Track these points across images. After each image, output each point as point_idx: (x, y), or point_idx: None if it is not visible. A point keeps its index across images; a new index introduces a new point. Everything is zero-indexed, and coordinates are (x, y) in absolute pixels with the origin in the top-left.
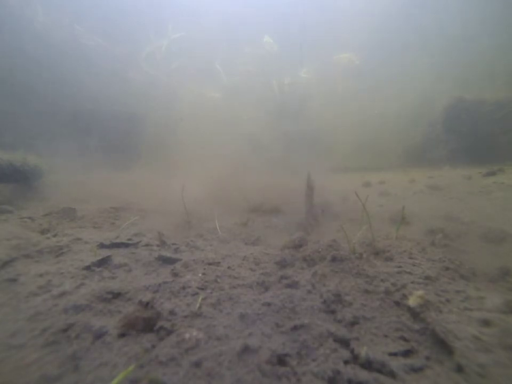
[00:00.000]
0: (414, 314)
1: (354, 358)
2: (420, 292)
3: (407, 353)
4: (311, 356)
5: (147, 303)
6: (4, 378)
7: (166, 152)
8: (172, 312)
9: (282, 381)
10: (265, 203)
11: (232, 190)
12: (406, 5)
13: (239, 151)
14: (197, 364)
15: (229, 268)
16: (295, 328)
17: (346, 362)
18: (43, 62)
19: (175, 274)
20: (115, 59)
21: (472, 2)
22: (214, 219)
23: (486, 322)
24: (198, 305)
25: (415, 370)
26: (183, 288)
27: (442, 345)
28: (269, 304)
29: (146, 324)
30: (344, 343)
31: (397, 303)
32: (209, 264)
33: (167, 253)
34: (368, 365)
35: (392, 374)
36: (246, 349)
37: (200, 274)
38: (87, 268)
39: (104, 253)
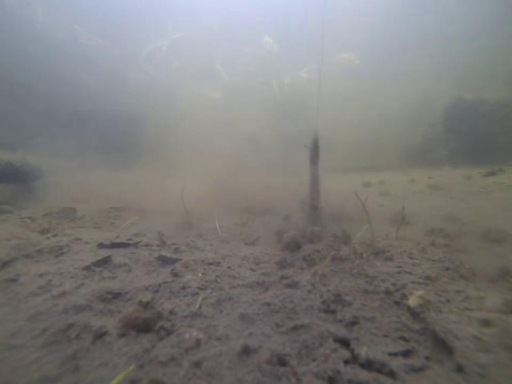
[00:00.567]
0: (414, 314)
1: (354, 358)
2: (420, 292)
3: (407, 353)
4: (311, 356)
5: (147, 303)
6: (4, 378)
7: (166, 152)
8: (171, 312)
9: (282, 381)
10: (264, 203)
11: (232, 190)
12: (406, 5)
13: (239, 151)
14: (197, 364)
15: (229, 268)
16: (295, 328)
17: (346, 362)
18: (43, 62)
19: (175, 274)
20: (115, 59)
21: (472, 2)
22: (214, 219)
23: (486, 322)
24: (198, 305)
25: (415, 370)
26: (183, 288)
27: (442, 345)
28: (268, 304)
29: (146, 324)
30: (344, 343)
31: (397, 303)
32: (209, 264)
33: (167, 253)
34: (368, 365)
35: (392, 374)
36: (246, 349)
37: (200, 274)
38: (87, 268)
39: (104, 253)
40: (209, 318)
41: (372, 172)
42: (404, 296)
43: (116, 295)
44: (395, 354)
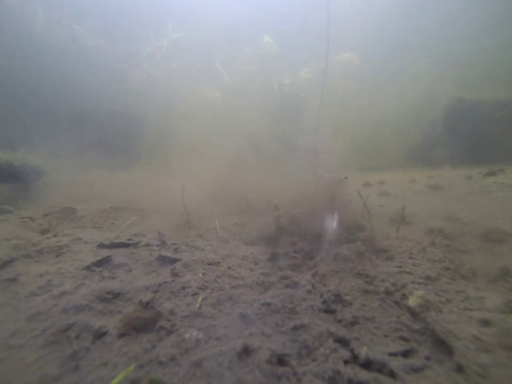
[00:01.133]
0: (414, 314)
1: (354, 358)
2: (420, 292)
3: (407, 353)
4: (311, 355)
5: (147, 303)
6: (4, 378)
7: (166, 152)
8: (172, 312)
9: (282, 381)
10: (264, 203)
11: (232, 190)
12: (406, 5)
13: (239, 151)
14: (197, 364)
15: (229, 268)
16: (295, 328)
17: (346, 362)
18: (43, 62)
19: (175, 274)
20: (115, 59)
21: (472, 2)
22: (213, 219)
23: (486, 322)
24: (198, 305)
25: (415, 370)
26: (183, 288)
27: (442, 345)
28: (268, 304)
29: (146, 324)
30: (344, 343)
31: (397, 303)
32: (209, 264)
33: (167, 253)
34: (368, 365)
35: (392, 374)
36: (246, 349)
37: (200, 274)
38: (87, 268)
39: (104, 253)
40: (209, 318)
41: (372, 171)
42: (404, 296)
43: (116, 295)
44: (395, 354)
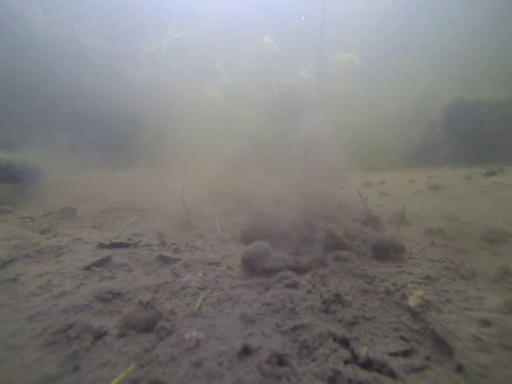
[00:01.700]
0: (414, 314)
1: (354, 358)
2: (420, 292)
3: (407, 353)
4: (311, 355)
5: (147, 303)
6: (4, 378)
7: (166, 152)
8: (172, 312)
9: (282, 381)
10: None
11: (232, 190)
12: (406, 5)
13: (239, 151)
14: (197, 364)
15: (229, 268)
16: (295, 328)
17: (346, 362)
18: (43, 62)
19: (175, 274)
20: (115, 59)
21: (472, 2)
22: (214, 219)
23: (486, 323)
24: (198, 305)
25: (415, 370)
26: (183, 288)
27: (442, 345)
28: (269, 304)
29: (146, 324)
30: (344, 343)
31: (397, 303)
32: (209, 264)
33: (167, 253)
34: (368, 365)
35: (392, 374)
36: (246, 349)
37: (200, 274)
38: (87, 268)
39: (104, 253)
40: (209, 318)
41: (372, 171)
42: (404, 296)
43: (116, 295)
44: (395, 354)
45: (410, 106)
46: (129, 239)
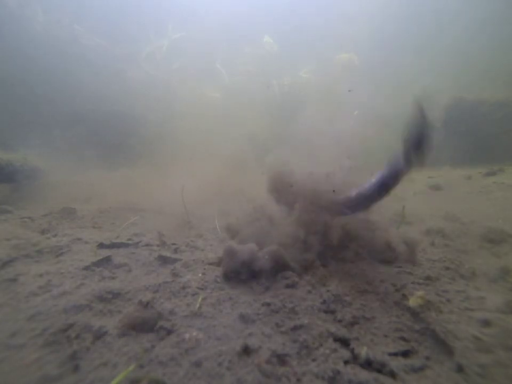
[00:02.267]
0: (414, 314)
1: (354, 358)
2: (420, 292)
3: (407, 353)
4: (311, 355)
5: (147, 303)
6: (4, 378)
7: (166, 152)
8: (171, 312)
9: (282, 381)
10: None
11: (232, 190)
12: (406, 5)
13: (239, 151)
14: (197, 364)
15: None
16: (295, 328)
17: (346, 362)
18: (43, 62)
19: (175, 274)
20: (115, 59)
21: (472, 2)
22: (214, 219)
23: (487, 323)
24: (198, 305)
25: (415, 370)
26: (183, 288)
27: (442, 345)
28: (268, 304)
29: (146, 324)
30: (344, 343)
31: (397, 304)
32: (209, 264)
33: (167, 253)
34: (368, 365)
35: (392, 374)
36: (246, 349)
37: (200, 274)
38: (87, 267)
39: (104, 253)
40: (209, 318)
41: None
42: (404, 297)
43: (116, 295)
44: (395, 354)
45: (410, 106)
46: (129, 239)
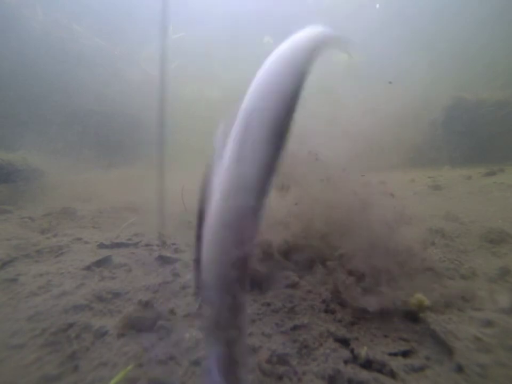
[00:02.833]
0: (414, 314)
1: (354, 358)
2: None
3: (407, 353)
4: (311, 355)
5: (147, 303)
6: (4, 378)
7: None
8: (171, 312)
9: (283, 380)
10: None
11: None
12: (406, 5)
13: None
14: (197, 364)
15: None
16: (294, 328)
17: (346, 362)
18: (41, 62)
19: (175, 274)
20: (115, 59)
21: (472, 2)
22: None
23: (487, 323)
24: (198, 305)
25: (415, 370)
26: (183, 288)
27: (442, 345)
28: (268, 304)
29: (146, 323)
30: (344, 343)
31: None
32: None
33: (167, 253)
34: (368, 365)
35: (392, 374)
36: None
37: None
38: (87, 267)
39: (104, 253)
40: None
41: (372, 171)
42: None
43: (116, 295)
44: (395, 354)
45: (410, 106)
46: (129, 239)
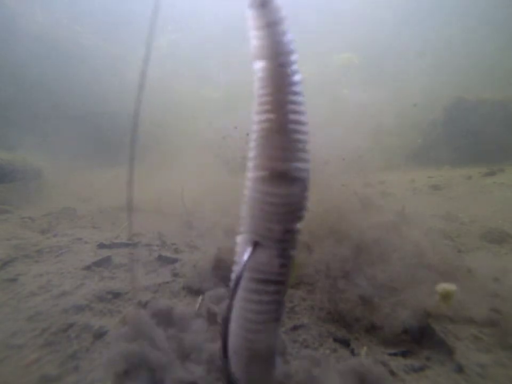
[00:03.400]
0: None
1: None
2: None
3: (406, 353)
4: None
5: (146, 303)
6: (4, 378)
7: (165, 152)
8: None
9: None
10: None
11: (232, 190)
12: (406, 5)
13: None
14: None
15: None
16: (294, 328)
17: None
18: (41, 62)
19: (175, 274)
20: (115, 59)
21: (472, 2)
22: (213, 218)
23: (487, 323)
24: (198, 305)
25: (415, 370)
26: (183, 288)
27: (442, 345)
28: None
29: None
30: (344, 343)
31: None
32: None
33: (167, 253)
34: None
35: (392, 374)
36: None
37: None
38: (87, 267)
39: (104, 253)
40: None
41: (372, 172)
42: None
43: (116, 295)
44: (395, 354)
45: (410, 106)
46: (129, 239)
